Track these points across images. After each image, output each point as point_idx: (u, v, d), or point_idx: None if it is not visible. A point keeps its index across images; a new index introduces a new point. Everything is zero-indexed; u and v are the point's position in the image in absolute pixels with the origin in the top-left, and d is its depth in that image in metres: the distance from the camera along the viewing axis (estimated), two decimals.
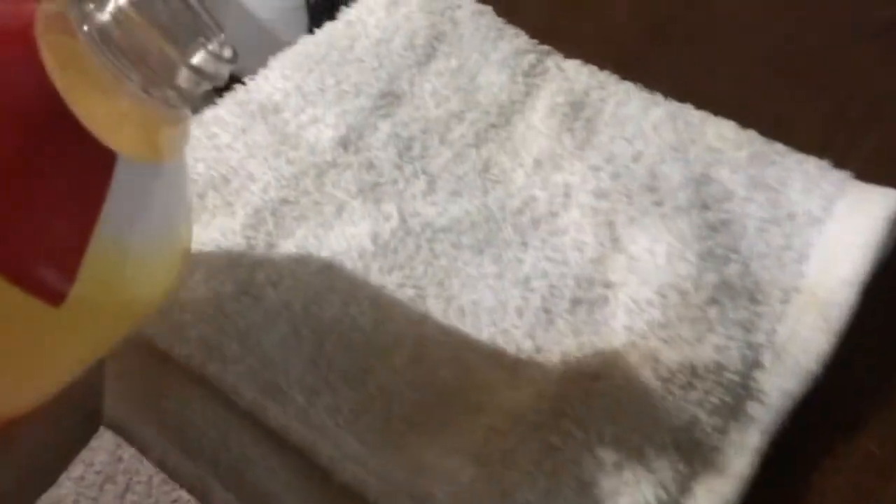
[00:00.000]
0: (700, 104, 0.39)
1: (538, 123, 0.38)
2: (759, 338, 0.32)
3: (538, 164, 0.37)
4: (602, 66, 0.41)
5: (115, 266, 0.22)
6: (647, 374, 0.29)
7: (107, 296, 0.22)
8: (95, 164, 0.21)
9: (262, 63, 0.39)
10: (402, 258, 0.33)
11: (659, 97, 0.39)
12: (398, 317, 0.32)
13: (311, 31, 0.46)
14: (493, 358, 0.31)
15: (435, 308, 0.32)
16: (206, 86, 0.22)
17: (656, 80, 0.41)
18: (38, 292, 0.20)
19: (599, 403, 0.28)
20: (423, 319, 0.32)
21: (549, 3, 0.46)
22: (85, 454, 0.31)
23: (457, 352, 0.31)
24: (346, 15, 0.41)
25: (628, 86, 0.40)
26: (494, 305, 0.32)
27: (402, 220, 0.34)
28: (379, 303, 0.32)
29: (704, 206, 0.35)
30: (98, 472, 0.30)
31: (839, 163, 0.37)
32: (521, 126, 0.38)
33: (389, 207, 0.34)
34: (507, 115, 0.39)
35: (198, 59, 0.21)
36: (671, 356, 0.30)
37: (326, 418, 0.29)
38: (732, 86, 0.43)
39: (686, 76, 0.43)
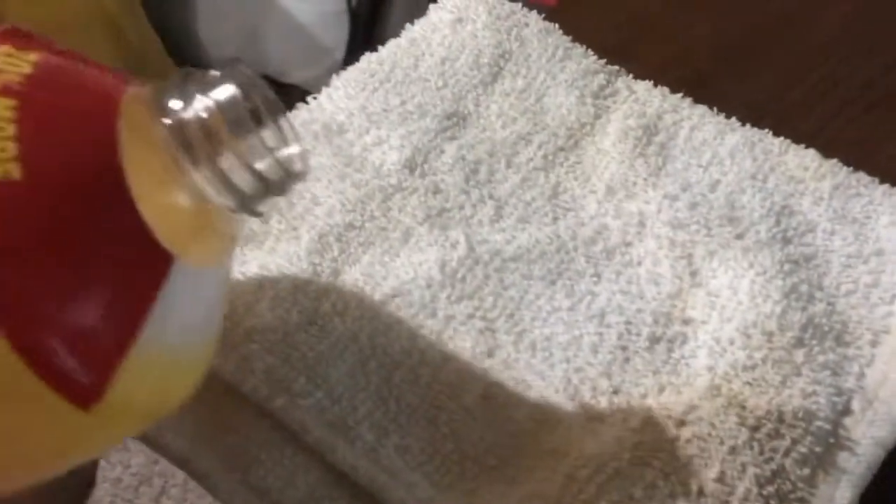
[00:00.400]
0: (775, 129, 0.38)
1: (609, 148, 0.37)
2: (849, 382, 0.30)
3: (610, 190, 0.35)
4: (673, 89, 0.39)
5: (151, 370, 0.20)
6: (732, 421, 0.28)
7: (138, 399, 0.21)
8: (151, 265, 0.19)
9: (304, 66, 0.39)
10: (471, 288, 0.32)
11: (734, 122, 0.38)
12: (467, 351, 0.30)
13: (352, 36, 0.46)
14: (569, 398, 0.29)
15: (505, 342, 0.31)
16: (270, 196, 0.21)
17: (729, 103, 0.39)
18: (68, 394, 0.19)
19: (684, 453, 0.27)
20: (494, 354, 0.31)
21: (617, 21, 0.45)
22: (122, 456, 0.31)
23: (529, 390, 0.30)
24: (410, 32, 0.40)
25: (703, 109, 0.38)
26: (568, 341, 0.31)
27: (470, 247, 0.33)
28: (447, 335, 0.31)
29: (786, 240, 0.33)
30: (134, 475, 0.30)
31: None
32: (592, 150, 0.37)
33: (456, 234, 0.33)
34: (576, 138, 0.37)
35: (265, 166, 0.21)
36: (757, 402, 0.28)
37: (396, 458, 0.27)
38: (807, 110, 0.41)
39: (760, 100, 0.41)
